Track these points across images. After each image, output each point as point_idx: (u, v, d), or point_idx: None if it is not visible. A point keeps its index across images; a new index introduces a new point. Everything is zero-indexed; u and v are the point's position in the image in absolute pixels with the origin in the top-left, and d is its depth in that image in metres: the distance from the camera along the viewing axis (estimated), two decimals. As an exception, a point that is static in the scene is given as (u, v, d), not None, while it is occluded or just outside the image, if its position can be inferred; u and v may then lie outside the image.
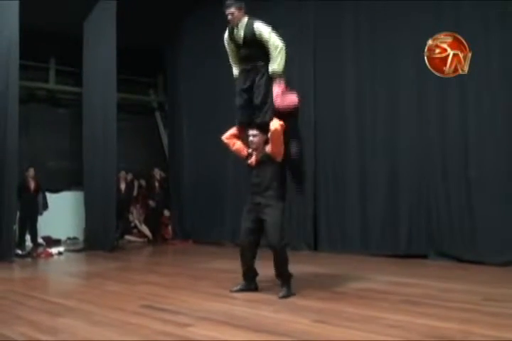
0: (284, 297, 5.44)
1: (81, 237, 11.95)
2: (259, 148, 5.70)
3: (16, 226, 9.57)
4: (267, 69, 5.79)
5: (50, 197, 11.48)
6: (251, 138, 5.70)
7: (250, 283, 5.89)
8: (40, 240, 10.92)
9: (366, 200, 8.93)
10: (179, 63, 12.50)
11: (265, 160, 5.67)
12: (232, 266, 7.97)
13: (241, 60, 6.00)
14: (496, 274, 6.78)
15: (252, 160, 5.73)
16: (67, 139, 12.65)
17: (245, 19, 5.85)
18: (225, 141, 6.02)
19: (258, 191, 5.66)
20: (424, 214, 8.25)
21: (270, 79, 5.79)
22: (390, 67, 8.71)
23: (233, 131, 6.02)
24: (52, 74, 12.90)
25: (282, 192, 5.85)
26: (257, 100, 5.76)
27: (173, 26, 12.22)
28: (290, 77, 6.31)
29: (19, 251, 9.52)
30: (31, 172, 10.62)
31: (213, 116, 11.27)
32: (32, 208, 10.60)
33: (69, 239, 12.16)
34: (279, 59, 5.72)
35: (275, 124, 5.55)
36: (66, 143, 12.66)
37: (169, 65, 12.96)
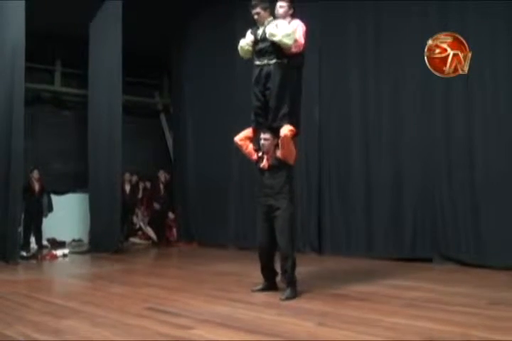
0: (287, 298, 5.45)
1: (86, 239, 11.94)
2: (270, 151, 5.74)
3: (20, 228, 9.59)
4: (281, 67, 5.79)
5: (55, 199, 11.52)
6: (262, 141, 5.75)
7: (270, 282, 5.93)
8: (44, 242, 10.93)
9: (371, 203, 8.92)
10: (184, 65, 12.52)
11: (277, 164, 5.71)
12: (236, 268, 8.02)
13: (256, 55, 5.99)
14: (500, 278, 6.75)
15: (264, 164, 5.77)
16: (72, 141, 12.65)
17: (270, 19, 5.90)
18: (239, 142, 6.03)
19: (270, 193, 5.72)
20: (428, 218, 8.23)
21: (285, 80, 5.78)
22: (395, 68, 8.72)
23: (247, 132, 6.04)
24: (57, 76, 12.94)
25: (293, 195, 5.90)
26: (271, 103, 5.77)
27: (178, 29, 12.25)
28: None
29: (24, 253, 9.54)
30: (36, 174, 10.63)
31: (218, 119, 11.29)
32: (37, 210, 10.60)
33: (74, 240, 12.16)
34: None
35: (284, 130, 5.57)
36: (71, 145, 12.67)
37: (174, 68, 12.99)
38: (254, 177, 9.50)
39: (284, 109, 5.74)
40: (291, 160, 5.77)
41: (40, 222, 10.68)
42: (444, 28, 7.75)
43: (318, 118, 9.59)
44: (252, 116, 6.01)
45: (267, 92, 5.82)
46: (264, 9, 5.90)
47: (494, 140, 7.57)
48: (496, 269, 7.14)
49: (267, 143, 5.72)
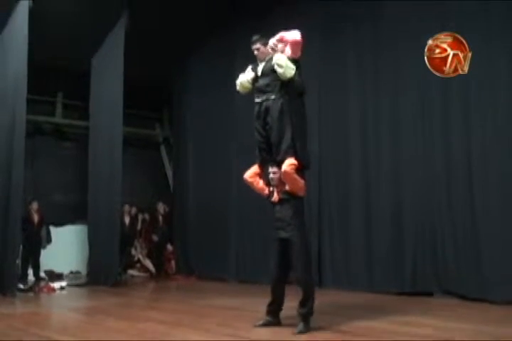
0: (301, 333, 5.42)
1: (84, 271, 11.86)
2: (279, 184, 5.76)
3: (19, 260, 9.52)
4: (281, 102, 5.82)
5: (54, 230, 11.46)
6: (271, 175, 5.79)
7: (274, 317, 5.87)
8: (42, 274, 10.85)
9: (371, 236, 8.87)
10: (185, 98, 12.62)
11: (286, 197, 5.71)
12: (237, 302, 7.93)
13: (255, 92, 6.04)
14: (502, 313, 6.68)
15: (275, 197, 5.78)
16: (73, 172, 12.66)
17: (270, 55, 5.95)
18: (249, 180, 6.04)
19: (281, 226, 5.72)
20: (429, 251, 8.17)
21: (284, 113, 5.80)
22: (393, 98, 8.78)
23: (255, 169, 6.06)
24: (59, 108, 13.02)
25: (304, 227, 5.89)
26: (273, 139, 5.79)
27: (178, 62, 12.37)
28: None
29: (21, 286, 9.45)
30: (35, 205, 10.62)
31: (218, 152, 11.32)
32: (35, 242, 10.56)
33: (71, 273, 12.06)
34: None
35: (284, 166, 5.59)
36: (71, 177, 12.68)
37: (175, 100, 13.09)
38: (255, 210, 9.64)
39: (287, 142, 5.75)
40: (300, 193, 5.77)
41: (39, 254, 10.63)
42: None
43: (317, 149, 9.60)
44: (257, 152, 6.04)
45: (268, 127, 5.85)
46: (264, 45, 5.97)
47: (494, 173, 7.55)
48: (498, 304, 7.07)
49: (275, 176, 5.77)
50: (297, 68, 5.89)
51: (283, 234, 5.70)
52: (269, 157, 5.90)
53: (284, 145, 5.72)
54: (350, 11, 9.39)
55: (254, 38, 6.05)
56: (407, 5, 8.60)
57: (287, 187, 5.71)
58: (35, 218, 10.61)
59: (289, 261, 5.69)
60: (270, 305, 5.90)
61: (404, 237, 8.45)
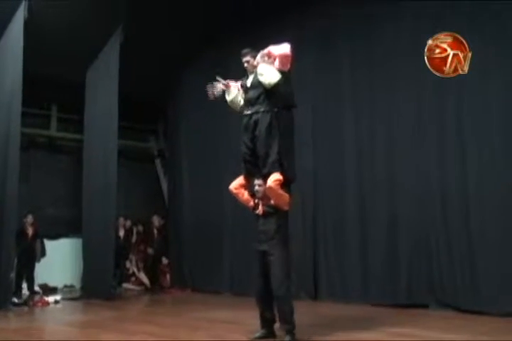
0: None
1: (78, 285, 11.79)
2: (264, 197, 5.76)
3: (13, 274, 9.47)
4: (270, 115, 5.83)
5: (48, 243, 11.41)
6: (256, 187, 5.80)
7: (268, 329, 5.85)
8: (36, 288, 10.76)
9: (366, 249, 8.87)
10: (180, 111, 12.64)
11: (270, 210, 5.71)
12: (231, 315, 7.91)
13: (245, 104, 6.06)
14: (498, 325, 6.68)
15: (260, 210, 5.78)
16: (67, 186, 12.61)
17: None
18: (234, 191, 6.05)
19: (264, 239, 5.71)
20: (424, 263, 8.18)
21: (272, 127, 5.82)
22: (389, 113, 8.83)
23: (241, 180, 6.06)
24: (53, 121, 13.00)
25: (286, 241, 5.88)
26: (260, 152, 5.80)
27: (173, 75, 12.40)
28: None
29: (15, 300, 9.38)
30: (30, 218, 10.57)
31: (213, 164, 11.32)
32: (29, 255, 10.49)
33: (66, 286, 11.98)
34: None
35: (269, 182, 5.59)
36: (66, 190, 12.63)
37: (170, 113, 13.11)
38: (249, 223, 9.61)
39: (273, 156, 5.75)
40: (284, 207, 5.77)
41: (33, 268, 10.55)
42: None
43: (312, 165, 9.63)
44: (242, 164, 6.05)
45: (255, 139, 5.86)
46: (254, 58, 6.02)
47: (489, 187, 7.59)
48: (494, 315, 7.08)
49: (260, 189, 5.76)
50: (286, 80, 5.92)
51: (265, 247, 5.70)
52: (255, 169, 5.90)
53: (271, 159, 5.72)
54: (343, 24, 9.47)
55: (245, 50, 6.15)
56: (402, 18, 8.71)
57: (272, 201, 5.72)
58: (30, 231, 10.55)
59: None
60: (261, 316, 5.87)
61: (399, 249, 8.46)
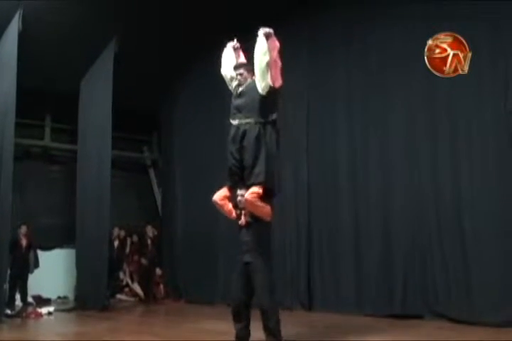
0: None
1: (71, 296, 11.74)
2: (246, 208, 5.73)
3: (6, 285, 9.41)
4: (258, 127, 5.83)
5: (42, 254, 11.35)
6: (239, 198, 5.76)
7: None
8: (30, 299, 10.71)
9: (360, 259, 8.88)
10: (173, 121, 12.67)
11: (253, 221, 5.70)
12: (225, 326, 7.83)
13: (232, 112, 6.05)
14: (492, 336, 6.66)
15: (243, 220, 5.75)
16: (61, 196, 12.59)
17: (251, 80, 6.00)
18: (219, 202, 6.02)
19: (246, 250, 5.67)
20: (418, 274, 8.18)
21: (260, 138, 5.81)
22: (383, 124, 8.87)
23: (225, 192, 6.04)
24: (47, 131, 12.99)
25: (269, 252, 5.84)
26: (247, 162, 5.78)
27: (167, 86, 12.44)
28: (283, 138, 6.34)
29: (8, 311, 9.31)
30: (23, 229, 10.53)
31: (207, 174, 11.29)
32: (23, 266, 10.44)
33: (59, 298, 11.92)
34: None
35: (246, 194, 5.57)
36: (59, 200, 12.59)
37: (163, 123, 13.14)
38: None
39: (259, 167, 5.74)
40: (266, 218, 5.74)
41: (26, 279, 10.49)
42: (431, 88, 8.00)
43: (306, 174, 9.65)
44: (228, 175, 6.03)
45: (243, 150, 5.86)
46: (248, 71, 6.04)
47: (483, 197, 7.62)
48: (489, 326, 7.06)
49: (243, 199, 5.72)
50: (278, 95, 5.96)
51: (247, 258, 5.66)
52: (241, 181, 5.89)
53: (257, 170, 5.70)
54: (338, 33, 9.57)
55: (238, 63, 6.17)
56: (396, 27, 8.76)
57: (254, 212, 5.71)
58: (23, 242, 10.51)
59: (252, 285, 5.63)
60: (236, 337, 5.76)
61: (394, 260, 8.47)
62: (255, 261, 5.58)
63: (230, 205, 5.98)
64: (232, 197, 5.98)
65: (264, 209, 5.68)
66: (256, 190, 5.60)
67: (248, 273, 5.63)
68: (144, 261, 12.51)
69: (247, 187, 5.71)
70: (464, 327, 7.20)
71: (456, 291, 7.75)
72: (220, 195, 6.03)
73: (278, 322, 5.52)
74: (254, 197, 5.57)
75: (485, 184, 7.64)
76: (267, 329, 5.50)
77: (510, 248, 7.30)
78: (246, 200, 5.58)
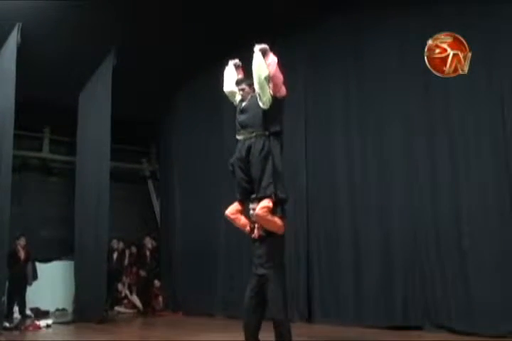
0: None
1: (70, 308, 11.69)
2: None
3: (4, 297, 9.38)
4: (262, 140, 5.84)
5: (40, 266, 11.32)
6: (251, 211, 5.75)
7: None
8: (28, 312, 10.67)
9: (360, 271, 8.86)
10: (172, 133, 12.69)
11: (265, 234, 5.69)
12: (224, 339, 7.83)
13: (237, 128, 6.07)
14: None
15: (256, 234, 5.75)
16: (59, 208, 12.57)
17: (254, 94, 6.00)
18: (231, 216, 6.01)
19: (260, 263, 5.66)
20: (418, 285, 8.17)
21: (265, 150, 5.82)
22: (380, 133, 8.91)
23: (236, 206, 6.03)
24: (46, 143, 13.01)
25: (282, 264, 5.84)
26: (255, 175, 5.79)
27: (166, 98, 12.46)
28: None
29: (7, 324, 9.26)
30: (22, 241, 10.51)
31: (205, 186, 11.33)
32: (21, 278, 10.41)
33: (57, 310, 11.88)
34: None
35: (257, 210, 5.57)
36: (58, 212, 12.57)
37: (162, 135, 13.16)
38: (241, 245, 9.61)
39: (266, 180, 5.74)
40: (278, 231, 5.73)
41: (24, 291, 10.47)
42: (427, 97, 8.02)
43: (305, 185, 9.65)
44: (237, 189, 6.03)
45: (249, 164, 5.86)
46: (249, 86, 6.05)
47: (481, 208, 7.62)
48: (488, 337, 7.05)
49: (255, 213, 5.72)
50: (280, 106, 5.96)
51: (261, 271, 5.66)
52: (248, 194, 5.89)
53: (264, 183, 5.70)
54: (334, 46, 9.61)
55: (239, 78, 6.16)
56: (391, 40, 8.81)
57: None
58: (22, 254, 10.49)
59: (265, 298, 5.62)
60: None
61: (394, 271, 8.45)
62: (268, 273, 5.59)
63: (242, 219, 5.97)
64: (244, 211, 5.98)
65: (276, 224, 5.67)
66: (266, 203, 5.59)
67: (260, 286, 5.62)
68: (142, 272, 12.47)
69: (258, 201, 5.71)
70: (464, 338, 7.17)
71: (455, 302, 7.72)
72: (232, 209, 6.03)
73: (290, 334, 5.51)
74: (265, 212, 5.56)
75: (484, 196, 7.64)
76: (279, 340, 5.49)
77: (508, 260, 7.30)
78: (257, 215, 5.57)
